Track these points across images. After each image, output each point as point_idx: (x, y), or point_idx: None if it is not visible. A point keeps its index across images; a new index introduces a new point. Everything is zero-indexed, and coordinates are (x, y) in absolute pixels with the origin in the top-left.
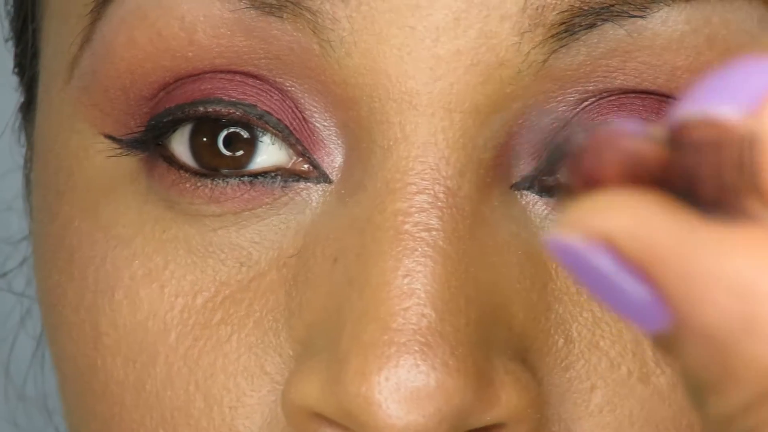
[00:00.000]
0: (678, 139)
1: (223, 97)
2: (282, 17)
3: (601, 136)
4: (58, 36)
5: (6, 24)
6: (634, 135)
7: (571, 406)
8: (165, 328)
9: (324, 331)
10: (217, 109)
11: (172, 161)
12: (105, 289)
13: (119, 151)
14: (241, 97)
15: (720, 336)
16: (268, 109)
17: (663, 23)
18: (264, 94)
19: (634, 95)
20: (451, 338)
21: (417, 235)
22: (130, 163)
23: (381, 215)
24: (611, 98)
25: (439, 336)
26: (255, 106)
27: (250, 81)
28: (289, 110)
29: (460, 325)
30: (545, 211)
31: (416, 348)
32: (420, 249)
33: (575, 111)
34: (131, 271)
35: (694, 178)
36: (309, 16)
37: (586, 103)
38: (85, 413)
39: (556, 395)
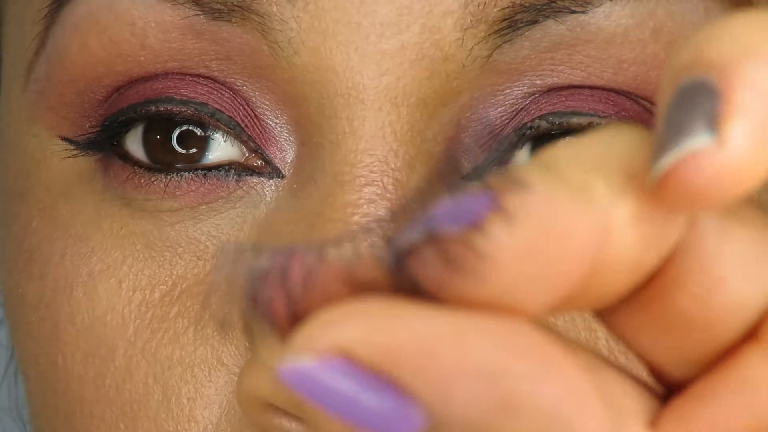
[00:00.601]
0: (400, 260)
1: (175, 96)
2: (231, 21)
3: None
4: (15, 42)
5: None
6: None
7: None
8: (123, 322)
9: None
10: (169, 107)
11: (127, 158)
12: (64, 287)
13: (75, 152)
14: (193, 95)
15: (479, 423)
16: (219, 107)
17: (606, 18)
18: (215, 93)
19: (584, 90)
20: None
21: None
22: (86, 163)
23: (330, 208)
24: (561, 91)
25: None
26: (206, 104)
27: (201, 80)
28: (241, 108)
29: None
30: None
31: None
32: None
33: (524, 103)
34: (89, 267)
35: (417, 286)
36: (257, 19)
37: (535, 95)
38: (49, 412)
39: None
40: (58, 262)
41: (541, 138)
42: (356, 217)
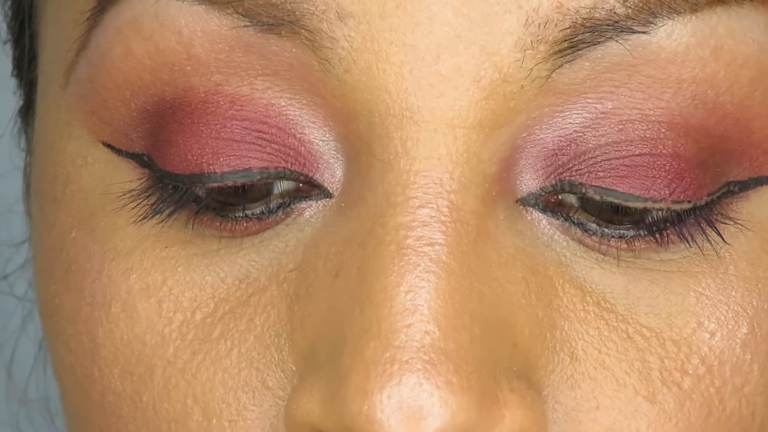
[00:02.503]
0: None
1: (216, 170)
2: (280, 34)
3: None
4: (54, 41)
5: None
6: None
7: (576, 425)
8: (163, 341)
9: (326, 346)
10: (214, 185)
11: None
12: (102, 302)
13: (118, 161)
14: (234, 164)
15: None
16: (262, 163)
17: (668, 37)
18: (257, 146)
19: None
20: (455, 356)
21: (420, 249)
22: (128, 178)
23: (382, 229)
24: (623, 152)
25: (443, 353)
26: (249, 168)
27: (237, 131)
28: (283, 144)
29: (465, 342)
30: (550, 230)
31: (419, 366)
32: (423, 264)
33: (584, 134)
34: (128, 284)
35: None
36: (307, 35)
37: (599, 131)
38: (84, 422)
39: (562, 414)
40: (96, 277)
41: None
42: (409, 240)
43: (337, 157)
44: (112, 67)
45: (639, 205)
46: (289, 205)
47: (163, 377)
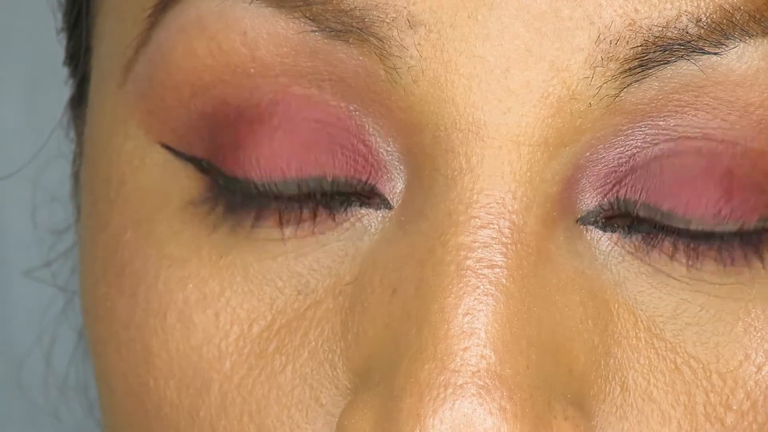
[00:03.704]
0: None
1: (285, 171)
2: (348, 41)
3: None
4: (112, 36)
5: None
6: None
7: None
8: (220, 355)
9: (380, 364)
10: (281, 192)
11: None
12: (157, 310)
13: (176, 163)
14: (302, 166)
15: None
16: (334, 170)
17: (738, 59)
18: (328, 151)
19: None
20: (510, 381)
21: (480, 271)
22: (186, 180)
23: (443, 248)
24: (674, 162)
25: (498, 379)
26: (324, 177)
27: (306, 132)
28: (351, 147)
29: (521, 367)
30: (609, 247)
31: (473, 391)
32: (482, 287)
33: (643, 152)
34: (185, 294)
35: None
36: (376, 42)
37: (655, 150)
38: (136, 428)
39: None
40: (152, 283)
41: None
42: (470, 261)
43: (400, 169)
44: (173, 65)
45: (681, 225)
46: (348, 207)
47: (220, 393)
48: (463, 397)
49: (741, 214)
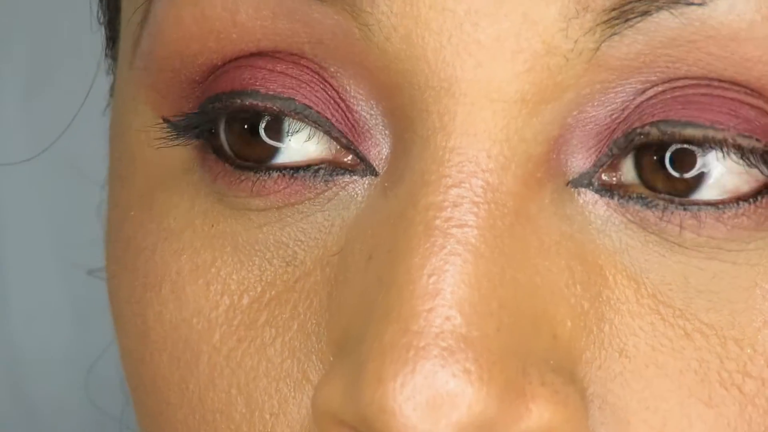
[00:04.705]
0: None
1: (261, 90)
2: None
3: None
4: (126, 14)
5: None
6: None
7: (625, 426)
8: (209, 326)
9: (355, 332)
10: (254, 102)
11: (220, 152)
12: (153, 283)
13: (174, 136)
14: (280, 90)
15: None
16: (308, 101)
17: (729, 12)
18: (305, 86)
19: (702, 88)
20: (477, 344)
21: (448, 231)
22: (186, 151)
23: (413, 209)
24: (676, 93)
25: (463, 341)
26: (293, 99)
27: (292, 71)
28: (332, 101)
29: (490, 330)
30: (606, 212)
31: (435, 353)
32: (449, 246)
33: (637, 101)
34: (179, 265)
35: None
36: None
37: (649, 92)
38: (140, 407)
39: (609, 413)
40: (149, 256)
41: (645, 149)
42: (438, 221)
43: (385, 134)
44: (165, 37)
45: (699, 133)
46: (331, 174)
47: (208, 364)
48: (425, 359)
49: (761, 132)
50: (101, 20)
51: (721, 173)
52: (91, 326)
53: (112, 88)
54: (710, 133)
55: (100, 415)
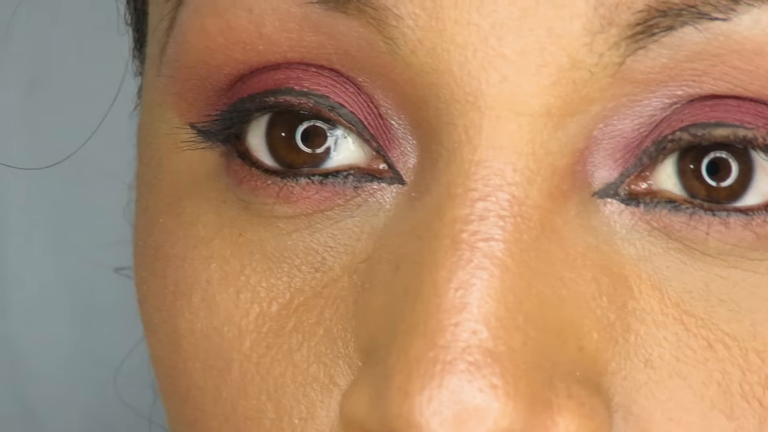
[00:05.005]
0: None
1: (295, 87)
2: (347, 12)
3: None
4: (154, 20)
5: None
6: None
7: None
8: (240, 334)
9: (382, 342)
10: (288, 98)
11: (246, 157)
12: (184, 291)
13: (201, 141)
14: (314, 87)
15: None
16: (341, 101)
17: (754, 26)
18: (338, 86)
19: (728, 99)
20: (504, 358)
21: (475, 244)
22: (212, 157)
23: (440, 222)
24: (704, 101)
25: (489, 355)
26: (327, 97)
27: (325, 72)
28: (364, 104)
29: (516, 344)
30: (631, 221)
31: (462, 367)
32: (476, 260)
33: (664, 114)
34: (208, 274)
35: None
36: (372, 12)
37: (676, 106)
38: (175, 414)
39: (633, 424)
40: (179, 264)
41: (685, 155)
42: (465, 235)
43: (413, 144)
44: (190, 45)
45: (729, 132)
46: (359, 181)
47: (240, 372)
48: (451, 373)
49: None
50: (128, 22)
51: (763, 180)
52: (91, 326)
53: (140, 90)
54: (740, 132)
55: (100, 415)
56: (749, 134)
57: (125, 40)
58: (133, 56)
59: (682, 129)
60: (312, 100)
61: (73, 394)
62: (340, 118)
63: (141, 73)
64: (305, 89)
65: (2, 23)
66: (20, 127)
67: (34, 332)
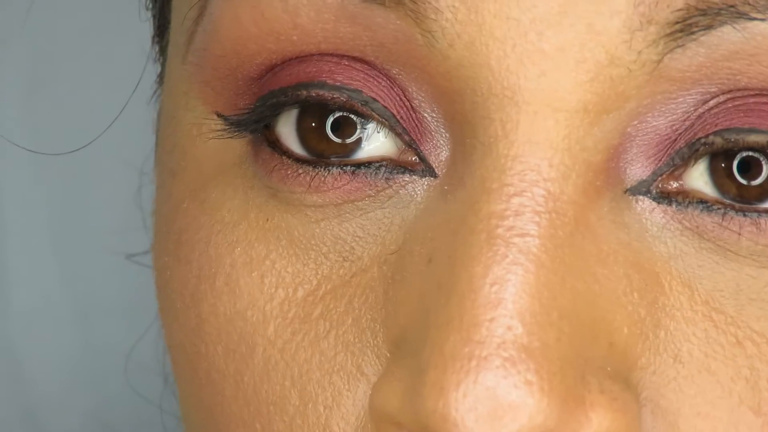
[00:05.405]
0: None
1: (328, 81)
2: (384, 4)
3: None
4: (179, 9)
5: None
6: None
7: (674, 430)
8: (264, 319)
9: (413, 335)
10: (321, 92)
11: (276, 146)
12: (208, 275)
13: (229, 131)
14: (347, 81)
15: None
16: (374, 95)
17: None
18: (371, 80)
19: (762, 98)
20: (538, 354)
21: (510, 240)
22: (238, 146)
23: (475, 216)
24: (737, 102)
25: (525, 351)
26: (360, 91)
27: (358, 66)
28: (397, 98)
29: (550, 340)
30: (663, 220)
31: (498, 363)
32: (512, 255)
33: (698, 112)
34: (232, 258)
35: None
36: (410, 5)
37: (710, 103)
38: (193, 399)
39: (661, 419)
40: (203, 249)
41: (716, 155)
42: (500, 230)
43: (446, 137)
44: (222, 35)
45: (763, 139)
46: (391, 173)
47: (263, 357)
48: (487, 369)
49: None
50: (149, 7)
51: None
52: (91, 326)
53: (160, 77)
54: None
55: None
56: None
57: (124, 40)
58: (154, 42)
59: (715, 133)
60: (345, 95)
61: (73, 395)
62: (373, 113)
63: (161, 61)
64: (338, 83)
65: (2, 23)
66: (20, 126)
67: (34, 332)
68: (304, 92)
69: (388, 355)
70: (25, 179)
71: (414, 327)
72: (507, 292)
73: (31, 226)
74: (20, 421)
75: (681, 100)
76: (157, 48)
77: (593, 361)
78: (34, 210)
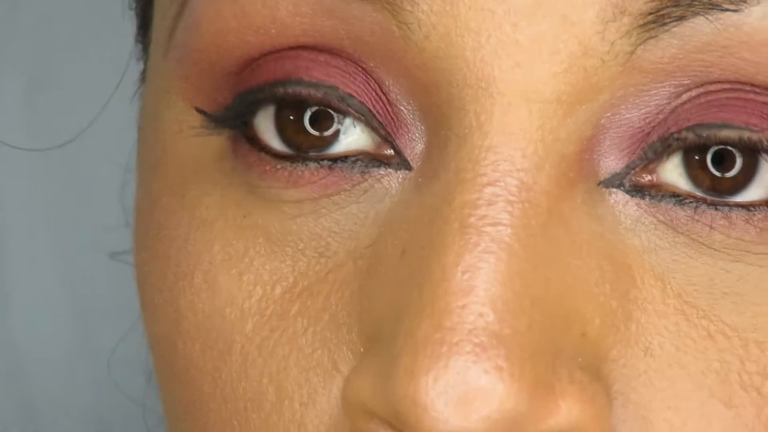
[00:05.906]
0: None
1: (305, 77)
2: None
3: None
4: (161, 6)
5: None
6: None
7: (647, 425)
8: (242, 316)
9: (387, 327)
10: (298, 90)
11: (255, 142)
12: (186, 272)
13: (208, 127)
14: (324, 78)
15: None
16: (350, 91)
17: (763, 18)
18: (348, 76)
19: (735, 92)
20: (509, 341)
21: (482, 229)
22: (217, 141)
23: (448, 206)
24: (710, 97)
25: (496, 337)
26: (337, 87)
27: (334, 62)
28: (373, 92)
29: (522, 327)
30: (636, 212)
31: (468, 349)
32: (484, 244)
33: (672, 105)
34: (211, 255)
35: None
36: None
37: (683, 97)
38: (172, 395)
39: (632, 412)
40: (182, 245)
41: (690, 149)
42: (473, 219)
43: (420, 130)
44: (202, 29)
45: (735, 134)
46: (367, 166)
47: (241, 354)
48: (458, 354)
49: None
50: (132, 6)
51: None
52: (91, 326)
53: (143, 75)
54: (746, 134)
55: (101, 415)
56: (754, 137)
57: (124, 39)
58: (136, 41)
59: (688, 128)
60: (321, 91)
61: (72, 393)
62: (349, 109)
63: (144, 59)
64: (315, 80)
65: (2, 23)
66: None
67: (34, 331)
68: (281, 89)
69: (362, 350)
70: (25, 179)
71: (387, 318)
72: (479, 279)
73: (32, 226)
74: (19, 419)
75: (654, 92)
76: (140, 46)
77: (564, 351)
78: (34, 210)
